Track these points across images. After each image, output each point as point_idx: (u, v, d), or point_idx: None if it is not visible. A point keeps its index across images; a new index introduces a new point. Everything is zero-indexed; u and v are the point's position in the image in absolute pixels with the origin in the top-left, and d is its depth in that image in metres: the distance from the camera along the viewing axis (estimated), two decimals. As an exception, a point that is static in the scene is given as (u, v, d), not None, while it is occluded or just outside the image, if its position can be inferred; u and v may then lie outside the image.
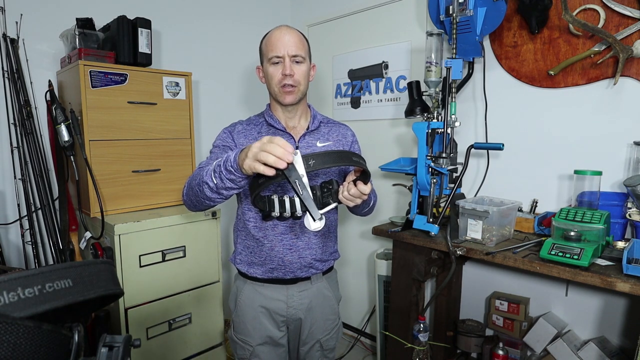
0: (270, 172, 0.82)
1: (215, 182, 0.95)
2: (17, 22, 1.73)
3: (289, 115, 1.25)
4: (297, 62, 1.17)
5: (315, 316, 1.29)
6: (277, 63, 1.17)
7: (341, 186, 1.05)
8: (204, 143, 2.39)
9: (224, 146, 1.21)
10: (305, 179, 0.84)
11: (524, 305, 1.75)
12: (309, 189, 0.85)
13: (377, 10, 2.31)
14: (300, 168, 0.84)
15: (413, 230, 1.70)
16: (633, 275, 1.17)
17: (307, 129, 1.25)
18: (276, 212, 1.07)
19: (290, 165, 0.83)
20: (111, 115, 1.70)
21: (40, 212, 1.75)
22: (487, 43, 1.84)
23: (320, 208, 0.96)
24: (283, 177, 0.84)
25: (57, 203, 1.79)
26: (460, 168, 1.65)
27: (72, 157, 1.70)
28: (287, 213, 1.08)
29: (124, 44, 1.74)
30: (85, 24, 1.75)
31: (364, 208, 1.23)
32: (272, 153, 0.81)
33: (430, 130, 1.60)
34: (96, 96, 1.66)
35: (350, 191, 1.02)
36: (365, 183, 1.01)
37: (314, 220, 0.87)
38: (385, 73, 2.30)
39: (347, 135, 1.33)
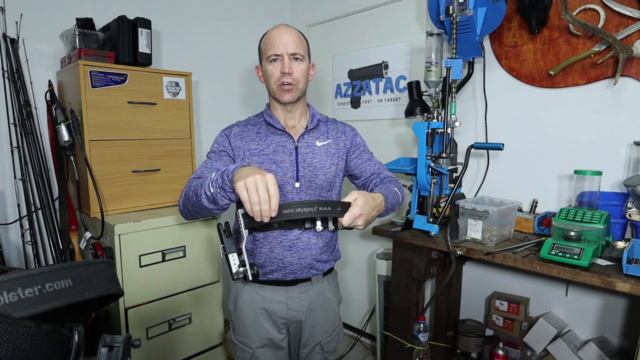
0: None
1: (221, 205, 0.99)
2: (17, 22, 1.73)
3: (289, 114, 1.24)
4: (296, 60, 1.17)
5: (315, 318, 1.29)
6: (275, 61, 1.17)
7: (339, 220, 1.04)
8: (204, 143, 2.39)
9: (221, 151, 1.21)
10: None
11: (524, 305, 1.75)
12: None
13: (377, 10, 2.31)
14: None
15: (413, 230, 1.70)
16: (633, 275, 1.17)
17: (306, 128, 1.25)
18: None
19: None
20: (111, 115, 1.70)
21: (40, 212, 1.75)
22: (487, 43, 1.84)
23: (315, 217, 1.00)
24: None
25: (57, 203, 1.79)
26: (460, 168, 1.65)
27: (72, 157, 1.70)
28: (276, 224, 1.11)
29: (124, 44, 1.74)
30: (85, 24, 1.75)
31: (387, 212, 1.21)
32: (259, 202, 0.87)
33: (430, 130, 1.60)
34: (96, 96, 1.66)
35: (343, 225, 1.02)
36: (342, 216, 1.00)
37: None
38: (385, 73, 2.30)
39: (346, 131, 1.31)
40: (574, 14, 1.57)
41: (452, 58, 1.56)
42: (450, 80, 1.57)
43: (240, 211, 0.97)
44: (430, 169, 1.63)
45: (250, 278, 0.93)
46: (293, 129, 1.25)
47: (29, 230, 1.75)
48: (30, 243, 1.75)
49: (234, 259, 0.94)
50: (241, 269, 0.94)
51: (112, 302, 0.50)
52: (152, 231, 1.66)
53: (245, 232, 0.96)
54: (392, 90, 2.28)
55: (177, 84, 1.90)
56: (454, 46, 1.58)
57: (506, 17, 1.71)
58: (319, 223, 1.03)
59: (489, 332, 1.92)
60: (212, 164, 1.18)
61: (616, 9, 1.50)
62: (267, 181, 0.88)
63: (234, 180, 0.91)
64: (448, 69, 1.54)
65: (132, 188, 1.80)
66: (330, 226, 1.04)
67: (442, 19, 1.66)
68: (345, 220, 0.99)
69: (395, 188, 1.25)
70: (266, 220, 0.89)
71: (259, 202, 0.87)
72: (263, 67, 1.22)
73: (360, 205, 1.01)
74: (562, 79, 1.66)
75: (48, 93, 1.75)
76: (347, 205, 1.00)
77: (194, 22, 2.34)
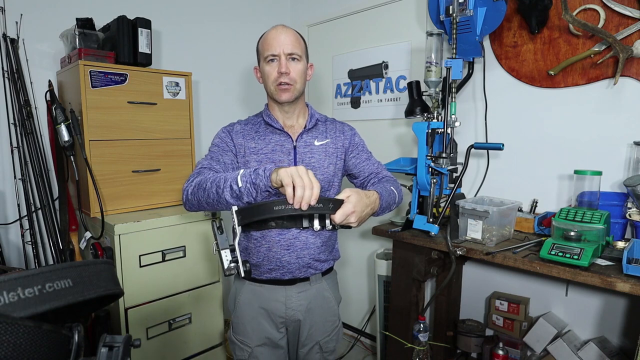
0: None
1: (245, 201, 1.00)
2: (17, 22, 1.73)
3: (287, 114, 1.25)
4: (293, 60, 1.18)
5: (314, 318, 1.28)
6: (273, 61, 1.17)
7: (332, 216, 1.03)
8: (204, 143, 2.39)
9: (224, 146, 1.22)
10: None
11: (524, 305, 1.75)
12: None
13: (377, 10, 2.31)
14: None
15: (413, 230, 1.70)
16: (633, 275, 1.17)
17: (305, 127, 1.26)
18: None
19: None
20: (111, 115, 1.70)
21: (40, 212, 1.75)
22: (487, 43, 1.84)
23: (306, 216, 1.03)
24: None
25: (57, 203, 1.79)
26: (460, 168, 1.65)
27: (72, 157, 1.70)
28: (273, 223, 1.12)
29: (124, 44, 1.74)
30: (85, 24, 1.75)
31: (383, 211, 1.20)
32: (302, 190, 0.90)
33: (430, 130, 1.60)
34: (96, 96, 1.66)
35: (337, 224, 1.02)
36: (334, 213, 0.99)
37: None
38: (385, 73, 2.30)
39: (344, 131, 1.32)
40: (574, 14, 1.57)
41: (452, 58, 1.56)
42: (450, 80, 1.57)
43: (234, 208, 0.96)
44: (430, 169, 1.63)
45: (243, 274, 0.94)
46: (291, 128, 1.26)
47: (29, 230, 1.75)
48: (30, 243, 1.75)
49: (226, 255, 0.94)
50: (232, 264, 0.94)
51: (112, 302, 0.50)
52: (152, 231, 1.67)
53: (238, 229, 0.96)
54: (392, 90, 2.28)
55: (177, 84, 1.90)
56: (454, 46, 1.58)
57: (506, 17, 1.71)
58: (316, 222, 1.03)
59: (489, 332, 1.92)
60: (219, 157, 1.19)
61: (616, 9, 1.50)
62: (310, 173, 0.92)
63: (275, 171, 0.94)
64: (448, 69, 1.54)
65: (132, 188, 1.80)
66: (328, 225, 1.04)
67: (442, 19, 1.66)
68: (337, 217, 0.98)
69: (392, 187, 1.24)
70: (305, 207, 0.90)
71: (304, 185, 0.89)
72: (261, 67, 1.22)
73: (353, 203, 1.00)
74: (562, 79, 1.66)
75: (48, 93, 1.75)
76: (340, 203, 1.00)
77: (194, 22, 2.34)
